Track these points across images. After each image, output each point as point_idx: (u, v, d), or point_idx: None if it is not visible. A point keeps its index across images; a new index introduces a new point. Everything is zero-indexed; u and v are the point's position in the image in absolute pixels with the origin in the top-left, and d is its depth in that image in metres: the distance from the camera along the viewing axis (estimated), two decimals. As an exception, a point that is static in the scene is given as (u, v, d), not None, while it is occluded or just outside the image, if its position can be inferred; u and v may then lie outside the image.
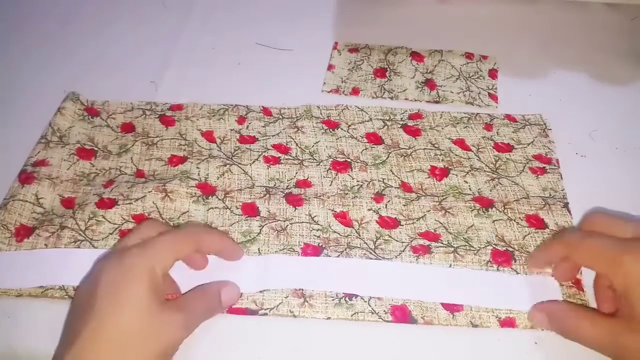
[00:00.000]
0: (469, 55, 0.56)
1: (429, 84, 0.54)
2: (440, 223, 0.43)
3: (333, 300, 0.39)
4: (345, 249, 0.41)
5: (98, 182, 0.45)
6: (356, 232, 0.42)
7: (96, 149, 0.48)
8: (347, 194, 0.45)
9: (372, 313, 0.38)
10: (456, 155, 0.48)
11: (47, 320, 0.38)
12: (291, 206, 0.44)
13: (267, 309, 0.38)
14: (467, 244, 0.41)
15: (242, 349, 0.37)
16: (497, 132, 0.49)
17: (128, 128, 0.50)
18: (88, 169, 0.46)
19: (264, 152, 0.48)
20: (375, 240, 0.42)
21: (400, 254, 0.41)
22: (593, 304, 0.38)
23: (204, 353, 0.37)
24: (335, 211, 0.43)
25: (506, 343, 0.37)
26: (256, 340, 0.38)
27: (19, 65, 0.56)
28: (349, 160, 0.47)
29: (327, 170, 0.46)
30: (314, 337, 0.38)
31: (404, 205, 0.44)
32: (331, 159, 0.47)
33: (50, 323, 0.38)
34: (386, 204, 0.44)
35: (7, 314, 0.39)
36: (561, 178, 0.46)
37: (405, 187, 0.45)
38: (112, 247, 0.41)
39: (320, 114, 0.51)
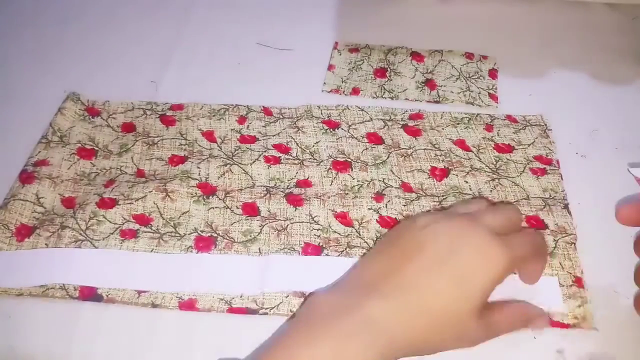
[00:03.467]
0: (469, 55, 0.56)
1: (429, 84, 0.54)
2: None
3: None
4: (346, 249, 0.41)
5: (99, 182, 0.45)
6: (356, 231, 0.42)
7: (97, 148, 0.48)
8: (347, 194, 0.45)
9: None
10: (456, 155, 0.48)
11: (47, 320, 0.38)
12: (292, 206, 0.44)
13: (267, 308, 0.38)
14: None
15: (242, 349, 0.37)
16: (497, 133, 0.49)
17: (129, 128, 0.50)
18: (89, 169, 0.47)
19: (265, 152, 0.48)
20: (375, 239, 0.42)
21: None
22: (595, 303, 0.39)
23: (204, 353, 0.37)
24: (336, 211, 0.43)
25: (506, 340, 0.37)
26: (256, 340, 0.38)
27: (19, 65, 0.56)
28: (349, 160, 0.47)
29: (328, 170, 0.46)
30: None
31: (404, 205, 0.44)
32: (332, 159, 0.47)
33: (50, 323, 0.38)
34: (386, 204, 0.44)
35: (8, 314, 0.39)
36: (561, 179, 0.46)
37: (405, 187, 0.45)
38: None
39: (321, 114, 0.51)
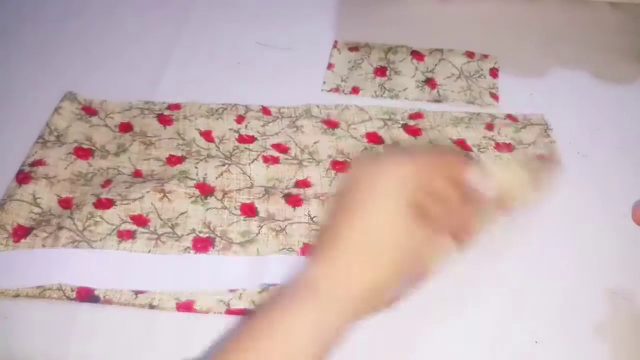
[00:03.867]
0: (469, 54, 0.56)
1: (430, 83, 0.54)
2: None
3: None
4: None
5: (96, 182, 0.45)
6: None
7: (94, 148, 0.48)
8: None
9: None
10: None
11: (45, 321, 0.38)
12: (290, 206, 0.43)
13: None
14: None
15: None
16: (498, 132, 0.49)
17: (126, 127, 0.49)
18: (85, 169, 0.46)
19: (263, 151, 0.47)
20: None
21: None
22: (594, 306, 0.38)
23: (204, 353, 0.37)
24: None
25: (506, 342, 0.37)
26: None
27: (17, 65, 0.56)
28: (349, 160, 0.47)
29: (327, 170, 0.46)
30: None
31: None
32: (331, 159, 0.47)
33: (48, 324, 0.38)
34: None
35: (5, 315, 0.39)
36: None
37: None
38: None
39: (320, 113, 0.50)
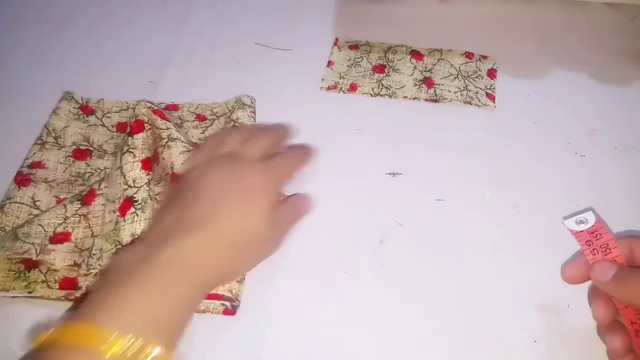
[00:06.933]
0: (468, 55, 0.56)
1: (427, 82, 0.54)
2: None
3: None
4: None
5: (93, 182, 0.45)
6: None
7: (91, 148, 0.48)
8: None
9: None
10: None
11: (46, 322, 0.38)
12: None
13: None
14: None
15: (242, 349, 0.37)
16: None
17: (123, 127, 0.49)
18: (83, 169, 0.46)
19: None
20: None
21: None
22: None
23: (204, 353, 0.37)
24: None
25: (505, 342, 0.37)
26: (256, 340, 0.38)
27: (16, 65, 0.56)
28: None
29: None
30: (315, 337, 0.38)
31: None
32: None
33: (49, 324, 0.38)
34: None
35: (7, 316, 0.39)
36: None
37: None
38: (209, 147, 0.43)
39: (251, 102, 0.50)
